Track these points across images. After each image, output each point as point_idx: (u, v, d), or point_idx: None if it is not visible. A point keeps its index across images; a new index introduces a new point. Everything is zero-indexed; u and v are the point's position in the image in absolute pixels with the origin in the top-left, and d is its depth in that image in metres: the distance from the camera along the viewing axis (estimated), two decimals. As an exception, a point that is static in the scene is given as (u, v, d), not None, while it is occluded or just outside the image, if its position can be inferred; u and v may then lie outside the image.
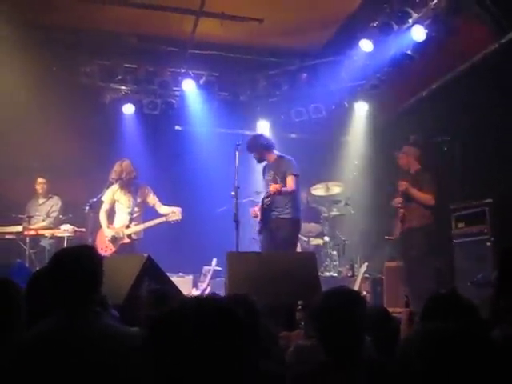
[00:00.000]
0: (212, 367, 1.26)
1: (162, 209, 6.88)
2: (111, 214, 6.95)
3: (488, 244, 5.40)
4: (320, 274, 6.50)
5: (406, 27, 6.34)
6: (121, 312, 3.09)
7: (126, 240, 6.73)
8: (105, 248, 6.72)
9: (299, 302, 3.63)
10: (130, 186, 6.90)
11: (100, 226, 6.87)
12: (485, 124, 6.20)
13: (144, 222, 6.87)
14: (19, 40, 6.71)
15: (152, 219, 6.84)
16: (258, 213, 6.02)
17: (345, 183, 8.59)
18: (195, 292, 7.00)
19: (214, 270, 7.03)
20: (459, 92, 6.63)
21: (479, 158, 6.29)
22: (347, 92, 8.31)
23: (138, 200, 6.90)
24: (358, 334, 2.14)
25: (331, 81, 7.92)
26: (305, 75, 8.12)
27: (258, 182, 7.33)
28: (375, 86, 7.86)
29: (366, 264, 6.96)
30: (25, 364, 1.98)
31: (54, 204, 7.52)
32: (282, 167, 6.05)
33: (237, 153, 5.97)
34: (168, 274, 4.86)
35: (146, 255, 4.55)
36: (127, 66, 7.99)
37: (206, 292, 6.90)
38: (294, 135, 9.17)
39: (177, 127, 9.13)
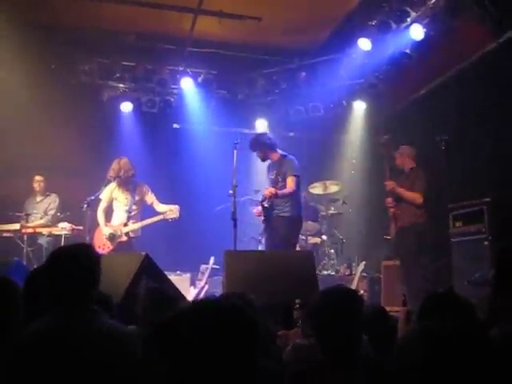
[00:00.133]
0: (225, 369, 1.26)
1: (160, 207, 6.87)
2: (109, 212, 6.94)
3: (485, 243, 5.39)
4: (318, 272, 6.51)
5: (404, 26, 6.36)
6: (118, 310, 3.08)
7: (124, 238, 6.71)
8: (102, 246, 6.70)
9: (297, 301, 3.63)
10: (127, 184, 6.88)
11: (98, 224, 6.86)
12: (483, 123, 6.20)
13: (142, 220, 6.85)
14: (19, 39, 6.70)
15: (150, 217, 6.83)
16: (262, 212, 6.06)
17: (343, 182, 8.59)
18: (193, 290, 6.99)
19: (212, 269, 7.04)
20: (457, 91, 6.63)
21: (477, 156, 6.29)
22: (345, 91, 8.31)
23: (136, 198, 6.89)
24: (355, 332, 2.14)
25: (330, 79, 7.91)
26: (303, 74, 8.12)
27: (257, 181, 7.33)
28: (374, 84, 7.87)
29: (364, 263, 6.97)
30: (22, 362, 1.98)
31: (51, 202, 7.49)
32: (283, 167, 6.08)
33: (235, 151, 5.98)
34: (166, 272, 4.86)
35: (143, 253, 4.55)
36: (125, 63, 7.99)
37: (204, 290, 6.90)
38: (292, 134, 9.16)
39: (175, 125, 9.11)
